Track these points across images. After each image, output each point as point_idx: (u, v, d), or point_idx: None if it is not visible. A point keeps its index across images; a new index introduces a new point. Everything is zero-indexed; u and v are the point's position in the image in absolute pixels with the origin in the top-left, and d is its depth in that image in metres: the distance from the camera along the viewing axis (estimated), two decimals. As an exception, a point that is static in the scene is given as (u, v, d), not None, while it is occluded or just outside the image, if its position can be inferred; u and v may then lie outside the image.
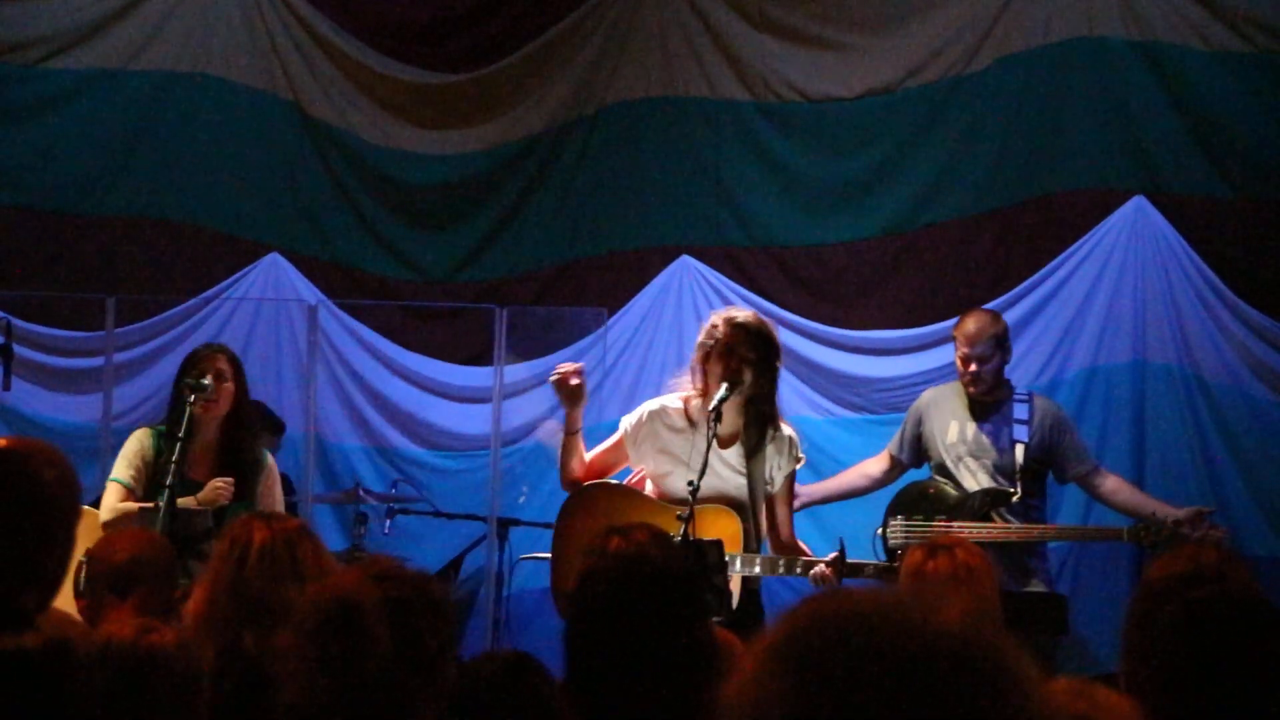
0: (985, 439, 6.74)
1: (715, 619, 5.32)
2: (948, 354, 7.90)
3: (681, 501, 5.68)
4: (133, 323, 8.16)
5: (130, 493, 6.04)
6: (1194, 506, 6.72)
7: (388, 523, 7.84)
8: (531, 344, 8.23)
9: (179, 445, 5.97)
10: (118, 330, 8.04)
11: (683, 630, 3.19)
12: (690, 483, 5.64)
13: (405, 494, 8.11)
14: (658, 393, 8.03)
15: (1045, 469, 6.80)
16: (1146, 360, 7.76)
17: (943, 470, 6.76)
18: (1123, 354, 7.80)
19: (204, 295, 8.29)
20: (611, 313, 8.25)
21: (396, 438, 8.36)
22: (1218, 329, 7.73)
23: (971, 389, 6.76)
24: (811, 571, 5.77)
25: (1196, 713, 2.79)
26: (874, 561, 5.92)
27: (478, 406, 8.31)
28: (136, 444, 6.14)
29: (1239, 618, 2.85)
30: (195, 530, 5.75)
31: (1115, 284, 7.85)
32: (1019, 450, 6.69)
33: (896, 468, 6.98)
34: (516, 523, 7.82)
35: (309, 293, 8.32)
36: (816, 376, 8.06)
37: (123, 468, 6.09)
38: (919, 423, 6.89)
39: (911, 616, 1.42)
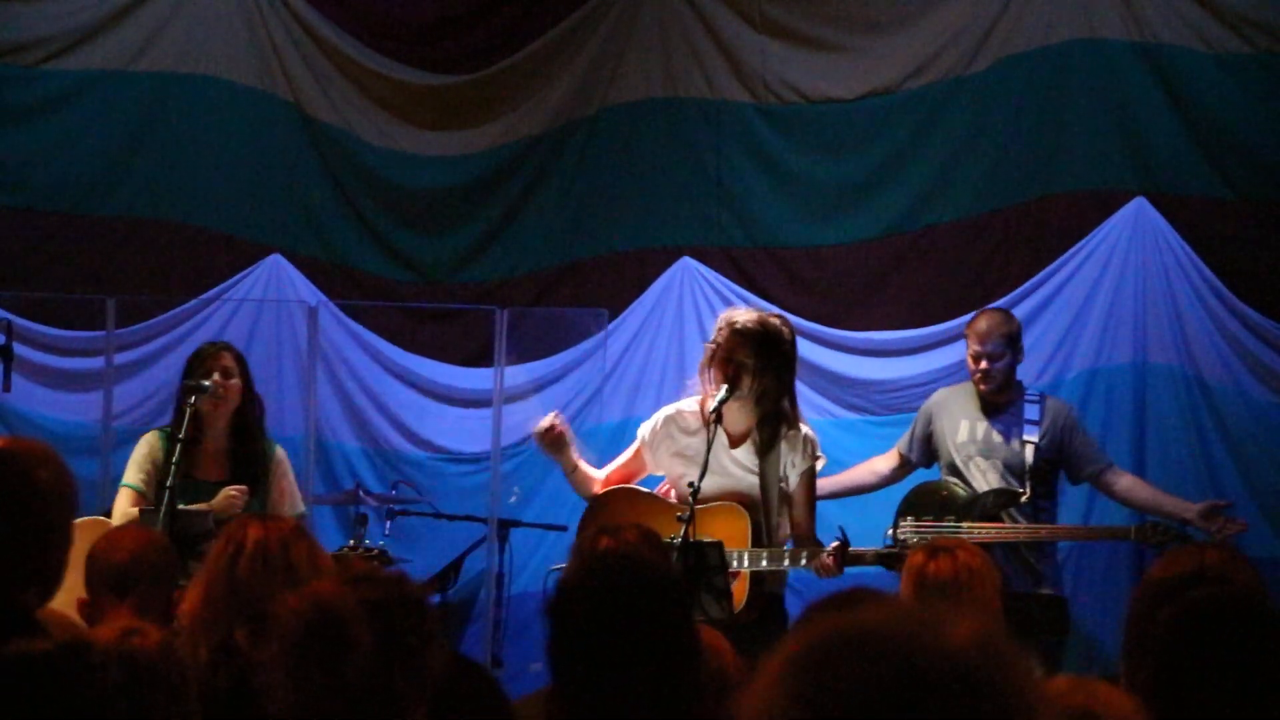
0: (996, 438, 6.76)
1: (719, 619, 5.36)
2: (948, 355, 7.90)
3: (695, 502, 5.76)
4: (133, 323, 8.16)
5: (142, 497, 6.07)
6: (1208, 500, 6.75)
7: (387, 524, 7.83)
8: (532, 345, 8.22)
9: (178, 446, 5.99)
10: (118, 331, 8.04)
11: (671, 628, 3.19)
12: (690, 484, 5.68)
13: (405, 495, 8.10)
14: (658, 394, 8.09)
15: (1056, 470, 6.82)
16: (1147, 361, 7.76)
17: (953, 470, 6.79)
18: (1123, 355, 7.80)
19: (204, 296, 8.28)
20: (612, 314, 8.25)
21: (396, 439, 8.35)
22: (1218, 329, 7.73)
23: (982, 386, 6.79)
24: (814, 562, 5.79)
25: (1194, 714, 2.78)
26: (874, 549, 5.93)
27: (478, 408, 8.30)
28: (146, 447, 6.17)
29: (1237, 619, 2.85)
30: (196, 531, 5.75)
31: (1116, 285, 7.84)
32: (1029, 450, 6.71)
33: (905, 466, 7.01)
34: (517, 524, 7.81)
35: (309, 294, 8.31)
36: (816, 378, 8.05)
37: (133, 472, 6.12)
38: (929, 422, 6.91)
39: (924, 632, 1.42)
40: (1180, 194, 7.84)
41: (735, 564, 5.79)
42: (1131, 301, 7.82)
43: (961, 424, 6.81)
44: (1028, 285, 7.92)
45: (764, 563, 5.83)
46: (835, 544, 5.77)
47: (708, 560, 5.47)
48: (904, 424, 7.93)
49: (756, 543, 5.85)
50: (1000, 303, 7.85)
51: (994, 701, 1.40)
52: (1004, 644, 1.43)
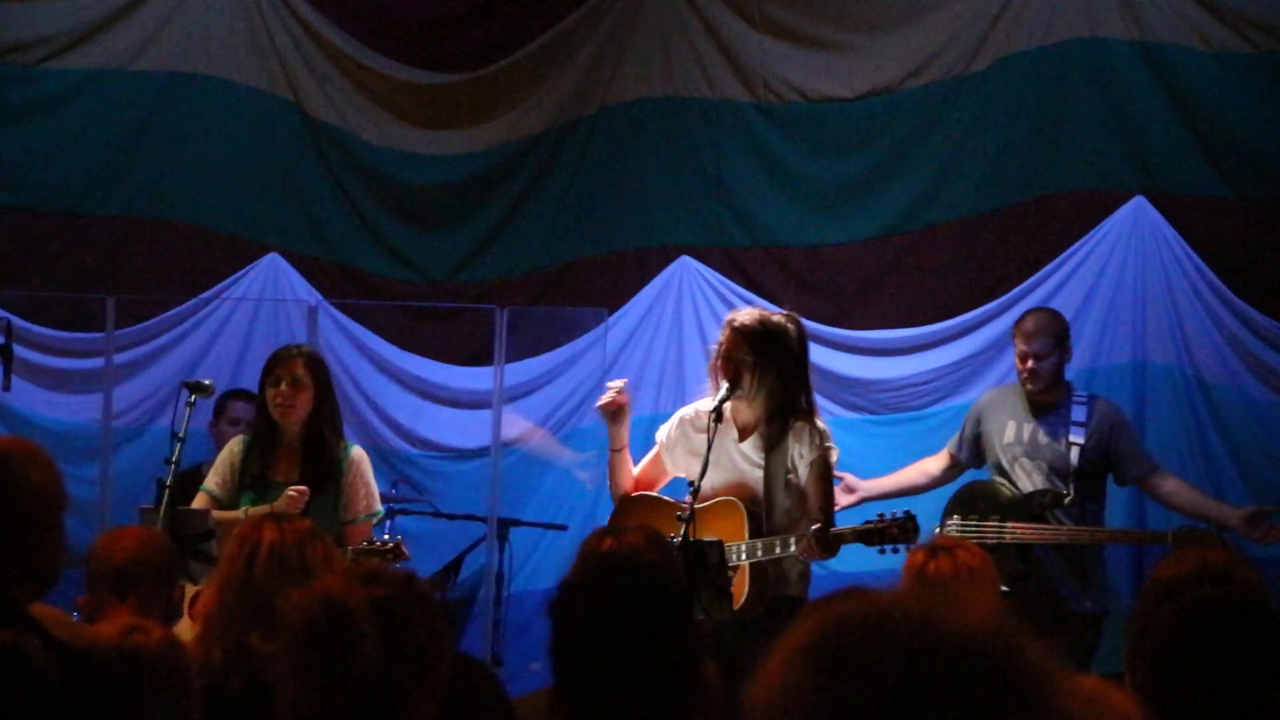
0: (1042, 439, 6.76)
1: (719, 619, 5.38)
2: (948, 354, 7.91)
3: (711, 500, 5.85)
4: (133, 323, 8.16)
5: (215, 500, 6.12)
6: (1254, 506, 6.76)
7: (387, 523, 7.83)
8: (532, 344, 8.23)
9: (179, 447, 6.01)
10: (118, 331, 8.04)
11: (671, 628, 3.19)
12: (691, 483, 5.72)
13: (405, 494, 8.10)
14: (656, 392, 8.10)
15: (1102, 471, 6.82)
16: (1146, 361, 7.76)
17: (1000, 470, 6.80)
18: (1123, 354, 7.80)
19: (203, 296, 8.28)
20: (611, 312, 8.25)
21: (395, 438, 8.35)
22: (1218, 329, 7.72)
23: (1029, 386, 6.80)
24: (798, 547, 5.80)
25: (1193, 713, 2.78)
26: (852, 526, 5.91)
27: (477, 407, 8.31)
28: (227, 452, 6.28)
29: (1236, 618, 2.85)
30: (195, 530, 5.76)
31: (1115, 284, 7.84)
32: (1073, 452, 6.71)
33: (956, 467, 7.02)
34: (517, 523, 7.81)
35: (308, 293, 8.31)
36: (815, 377, 8.01)
37: (211, 476, 6.21)
38: (978, 422, 6.92)
39: (937, 616, 1.42)
40: (1180, 194, 7.84)
41: (733, 558, 5.81)
42: (1131, 301, 7.82)
43: (1009, 424, 6.82)
44: (1027, 284, 7.91)
45: (760, 553, 5.84)
46: (815, 526, 5.77)
47: (708, 560, 5.48)
48: (903, 423, 7.94)
49: (755, 535, 5.87)
50: (999, 302, 7.86)
51: (1011, 680, 1.40)
52: (1015, 626, 1.44)
